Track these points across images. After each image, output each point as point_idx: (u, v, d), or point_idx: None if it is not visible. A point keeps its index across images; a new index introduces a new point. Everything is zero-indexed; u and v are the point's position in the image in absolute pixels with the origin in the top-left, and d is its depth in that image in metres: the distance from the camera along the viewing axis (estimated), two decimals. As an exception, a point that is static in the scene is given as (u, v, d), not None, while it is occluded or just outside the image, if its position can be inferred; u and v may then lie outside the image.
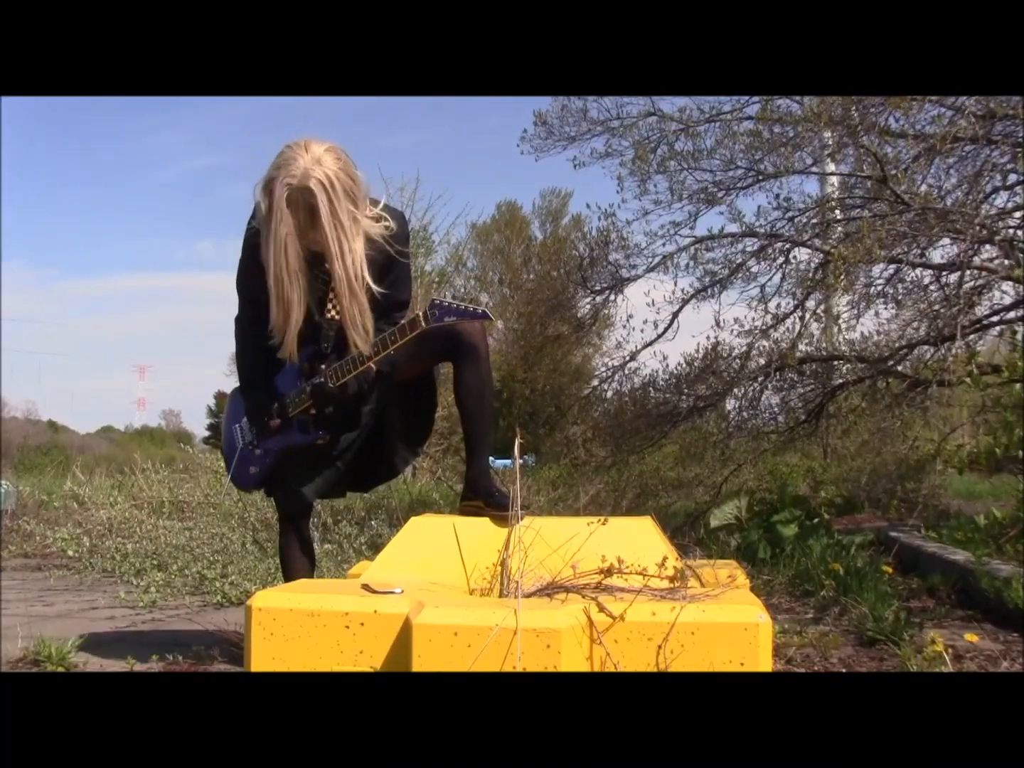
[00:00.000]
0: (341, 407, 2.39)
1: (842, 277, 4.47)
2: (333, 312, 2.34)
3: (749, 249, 5.15)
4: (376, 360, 2.30)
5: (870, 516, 5.87)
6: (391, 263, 2.34)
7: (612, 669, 1.66)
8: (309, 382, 2.36)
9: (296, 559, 2.50)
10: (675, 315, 5.44)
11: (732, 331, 5.22)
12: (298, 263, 2.20)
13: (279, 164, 2.15)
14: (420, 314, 2.24)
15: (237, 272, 2.45)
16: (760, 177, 5.01)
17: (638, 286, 5.42)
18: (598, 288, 5.59)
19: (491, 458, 2.63)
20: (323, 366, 2.35)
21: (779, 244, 5.12)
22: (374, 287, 2.26)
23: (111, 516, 4.81)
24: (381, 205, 2.34)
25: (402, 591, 1.83)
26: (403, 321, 2.28)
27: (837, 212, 5.07)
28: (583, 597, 1.79)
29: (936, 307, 4.49)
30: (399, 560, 2.18)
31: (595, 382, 6.17)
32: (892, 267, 4.72)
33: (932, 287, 4.64)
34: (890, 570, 3.25)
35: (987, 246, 4.31)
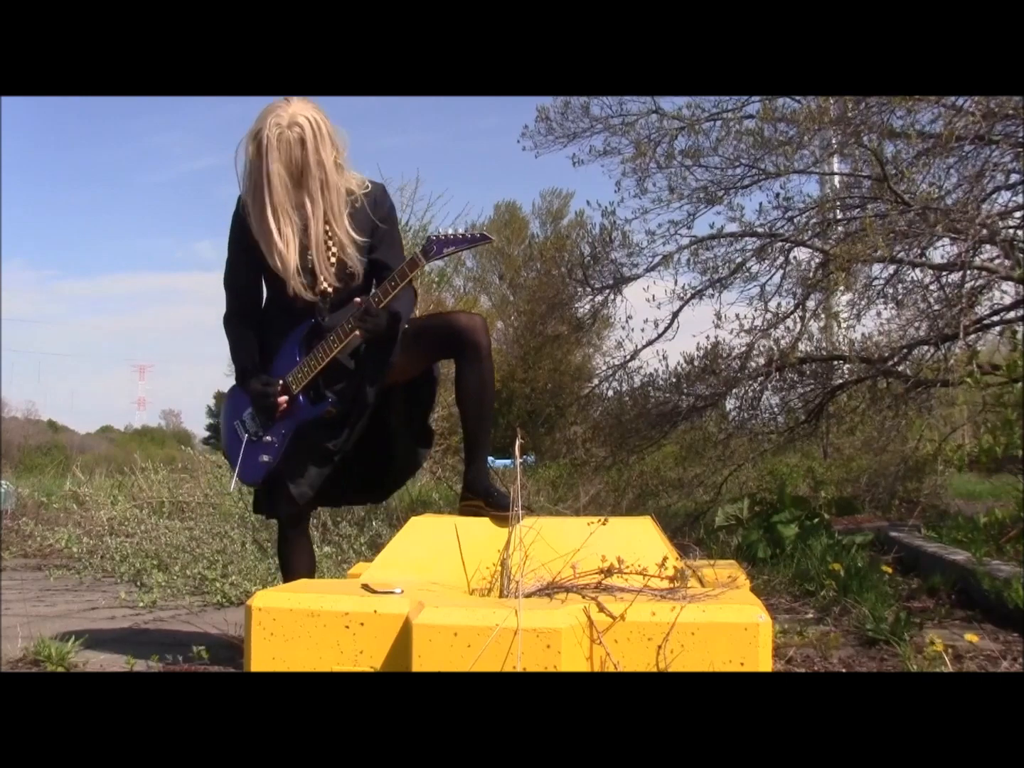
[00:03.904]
0: (350, 375, 2.36)
1: (842, 275, 4.46)
2: (326, 285, 2.35)
3: (749, 248, 5.15)
4: (383, 306, 2.25)
5: (870, 516, 5.86)
6: (374, 228, 2.37)
7: (612, 669, 1.66)
8: (349, 317, 2.27)
9: (296, 564, 2.47)
10: (675, 314, 5.44)
11: (732, 331, 5.23)
12: (288, 199, 2.24)
13: (264, 114, 2.23)
14: (418, 251, 2.23)
15: (225, 267, 2.46)
16: (761, 176, 5.00)
17: (638, 285, 5.42)
18: (598, 286, 5.59)
19: (491, 458, 2.62)
20: (328, 333, 2.32)
21: (779, 244, 5.12)
22: (355, 236, 2.30)
23: (111, 516, 4.81)
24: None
25: (402, 591, 1.83)
26: (402, 264, 2.26)
27: (837, 212, 5.07)
28: (583, 597, 1.79)
29: (937, 307, 4.48)
30: (399, 560, 2.18)
31: (595, 381, 6.17)
32: (892, 267, 4.71)
33: (932, 287, 4.64)
34: (890, 570, 3.24)
35: (987, 246, 4.31)
